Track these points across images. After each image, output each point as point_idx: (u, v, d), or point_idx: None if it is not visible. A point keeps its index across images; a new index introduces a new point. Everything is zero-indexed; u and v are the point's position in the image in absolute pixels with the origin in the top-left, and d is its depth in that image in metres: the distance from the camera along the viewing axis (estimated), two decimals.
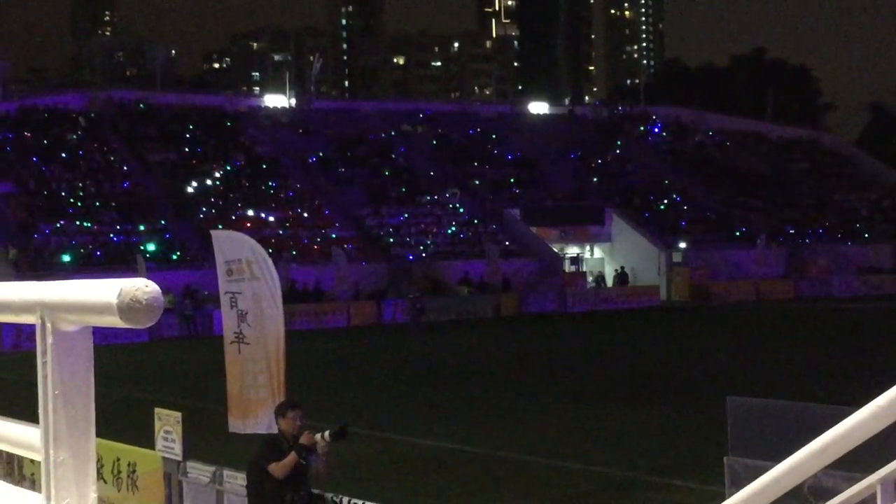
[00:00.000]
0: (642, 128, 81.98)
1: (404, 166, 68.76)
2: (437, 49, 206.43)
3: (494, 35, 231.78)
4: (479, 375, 29.89)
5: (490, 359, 34.91)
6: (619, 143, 78.33)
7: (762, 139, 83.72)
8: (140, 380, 30.59)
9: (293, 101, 74.60)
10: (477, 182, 68.60)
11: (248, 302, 12.52)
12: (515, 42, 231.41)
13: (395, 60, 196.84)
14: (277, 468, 10.16)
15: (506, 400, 24.77)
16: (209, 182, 61.08)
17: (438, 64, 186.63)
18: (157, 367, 34.96)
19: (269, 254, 13.50)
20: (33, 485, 11.14)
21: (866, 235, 70.36)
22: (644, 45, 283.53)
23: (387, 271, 56.59)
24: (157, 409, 12.41)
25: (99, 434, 2.59)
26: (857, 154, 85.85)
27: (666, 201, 71.05)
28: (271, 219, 58.74)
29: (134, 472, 12.29)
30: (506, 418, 22.07)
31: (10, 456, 12.06)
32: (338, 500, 10.94)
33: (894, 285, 63.03)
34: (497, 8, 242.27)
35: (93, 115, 64.84)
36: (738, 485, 9.64)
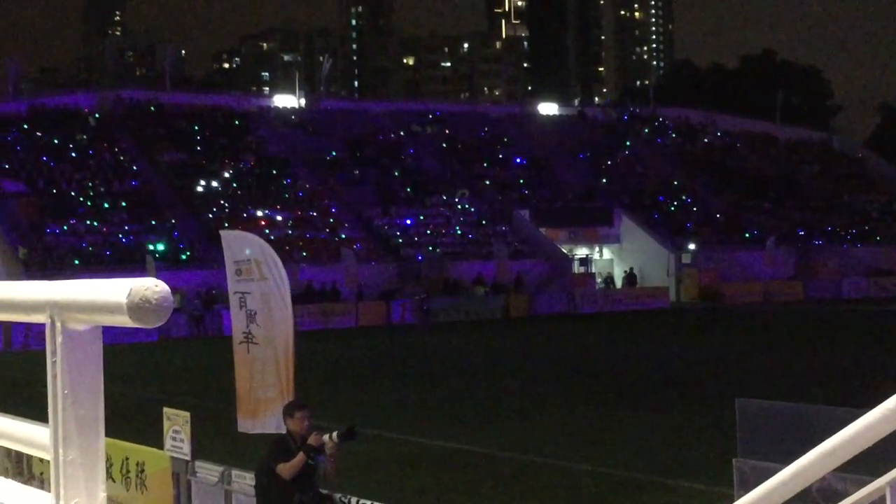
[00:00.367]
0: (651, 129, 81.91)
1: (413, 167, 68.80)
2: (446, 50, 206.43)
3: (504, 36, 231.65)
4: (488, 376, 29.87)
5: (499, 359, 34.89)
6: (628, 144, 78.29)
7: (772, 141, 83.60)
8: (149, 379, 30.63)
9: (303, 102, 74.61)
10: (486, 182, 68.66)
11: (257, 302, 12.53)
12: (525, 43, 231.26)
13: (404, 61, 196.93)
14: (285, 469, 10.17)
15: (514, 401, 24.75)
16: (218, 182, 61.16)
17: (448, 64, 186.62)
18: (166, 367, 35.00)
19: (278, 254, 13.50)
20: (42, 484, 11.15)
21: (876, 237, 70.27)
22: (654, 46, 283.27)
23: (396, 271, 56.63)
24: (165, 409, 12.42)
25: (108, 433, 2.60)
26: (867, 156, 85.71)
27: (675, 202, 71.06)
28: (280, 219, 58.78)
29: (143, 471, 12.29)
30: (514, 419, 22.05)
31: (20, 455, 12.08)
32: (346, 501, 10.95)
33: None
34: (507, 9, 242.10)
35: (103, 114, 64.94)
36: (747, 487, 9.62)
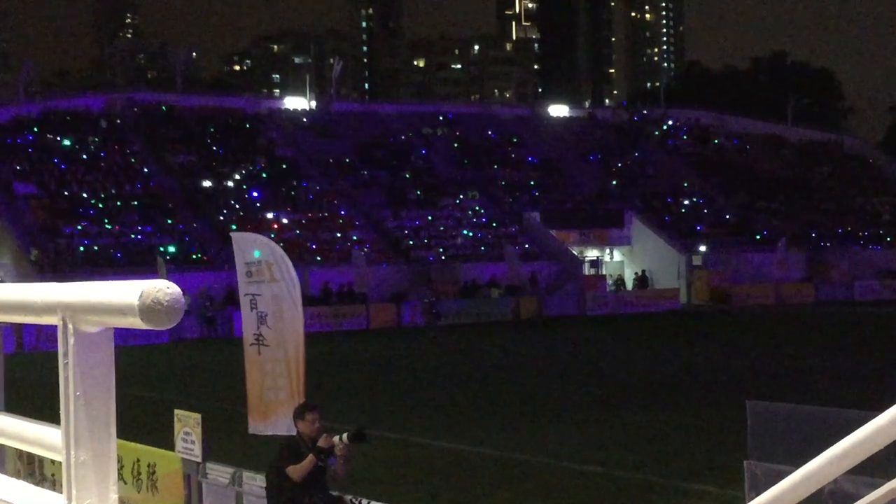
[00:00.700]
0: (662, 131, 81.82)
1: (424, 168, 68.82)
2: (457, 52, 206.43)
3: (514, 38, 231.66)
4: (498, 378, 29.86)
5: (509, 361, 34.88)
6: (639, 145, 78.20)
7: (783, 142, 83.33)
8: (160, 381, 30.67)
9: (314, 104, 74.63)
10: (496, 184, 68.60)
11: (268, 304, 12.54)
12: (535, 45, 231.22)
13: (415, 63, 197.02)
14: (295, 471, 10.17)
15: (525, 403, 24.73)
16: (229, 184, 61.24)
17: (458, 66, 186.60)
18: (177, 369, 35.06)
19: (289, 256, 13.51)
20: (54, 485, 11.17)
21: (888, 239, 70.12)
22: (664, 47, 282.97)
23: (406, 274, 56.66)
24: (176, 411, 12.44)
25: (119, 435, 2.61)
26: (878, 157, 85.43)
27: (686, 204, 71.00)
28: (291, 221, 58.86)
29: (154, 473, 12.32)
30: (525, 421, 22.04)
31: (32, 456, 12.10)
32: (356, 503, 10.95)
33: None
34: (517, 10, 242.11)
35: (114, 117, 65.07)
36: (758, 489, 9.61)
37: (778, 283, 62.44)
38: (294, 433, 10.75)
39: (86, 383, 2.51)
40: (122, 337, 32.72)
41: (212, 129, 66.69)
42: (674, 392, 25.48)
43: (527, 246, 62.09)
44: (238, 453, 14.44)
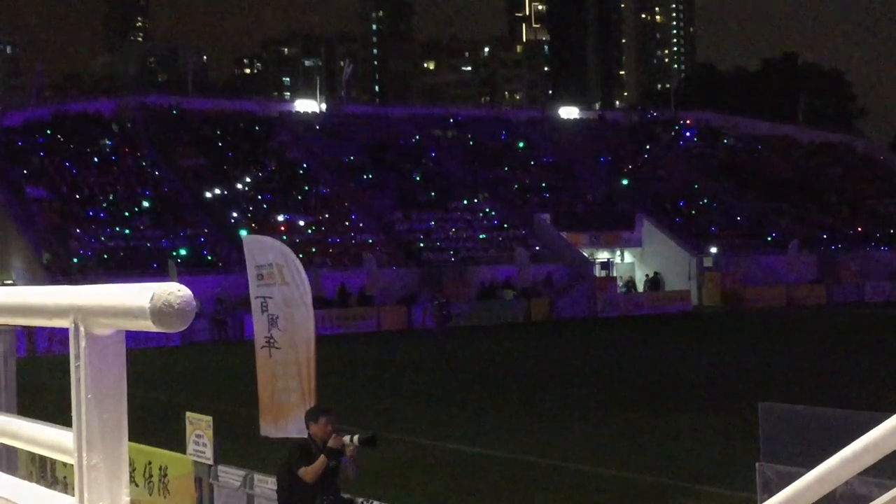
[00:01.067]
0: (673, 132, 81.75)
1: (435, 171, 68.83)
2: (467, 54, 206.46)
3: (525, 40, 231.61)
4: (510, 380, 29.87)
5: (521, 364, 34.88)
6: (649, 147, 78.14)
7: (794, 143, 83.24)
8: (171, 384, 30.72)
9: (324, 107, 74.75)
10: (507, 187, 68.58)
11: (279, 306, 12.56)
12: (546, 47, 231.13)
13: (425, 65, 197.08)
14: (307, 472, 10.18)
15: (536, 405, 24.73)
16: (240, 187, 61.32)
17: (469, 69, 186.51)
18: (188, 371, 35.11)
19: (300, 259, 13.52)
20: (66, 488, 11.19)
21: None
22: (675, 49, 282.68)
23: (417, 276, 56.69)
24: (188, 413, 12.46)
25: (131, 438, 2.61)
26: (890, 158, 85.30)
27: (697, 206, 70.90)
28: (302, 223, 58.92)
29: (165, 475, 12.34)
30: (536, 423, 22.04)
31: (43, 459, 12.13)
32: None
33: None
34: (527, 13, 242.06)
35: (125, 120, 65.22)
36: (770, 491, 9.59)
37: (789, 285, 62.27)
38: (305, 435, 10.77)
39: (97, 386, 2.52)
40: (134, 340, 32.78)
41: (223, 133, 66.79)
42: (685, 394, 25.45)
43: (537, 248, 62.05)
44: (250, 456, 14.45)
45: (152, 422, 19.04)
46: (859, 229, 70.68)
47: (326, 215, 60.59)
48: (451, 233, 62.23)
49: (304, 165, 65.50)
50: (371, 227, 60.74)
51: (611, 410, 23.31)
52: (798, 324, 48.45)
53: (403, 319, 52.26)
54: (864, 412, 9.72)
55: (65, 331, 2.58)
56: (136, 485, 12.37)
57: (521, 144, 74.83)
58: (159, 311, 2.33)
